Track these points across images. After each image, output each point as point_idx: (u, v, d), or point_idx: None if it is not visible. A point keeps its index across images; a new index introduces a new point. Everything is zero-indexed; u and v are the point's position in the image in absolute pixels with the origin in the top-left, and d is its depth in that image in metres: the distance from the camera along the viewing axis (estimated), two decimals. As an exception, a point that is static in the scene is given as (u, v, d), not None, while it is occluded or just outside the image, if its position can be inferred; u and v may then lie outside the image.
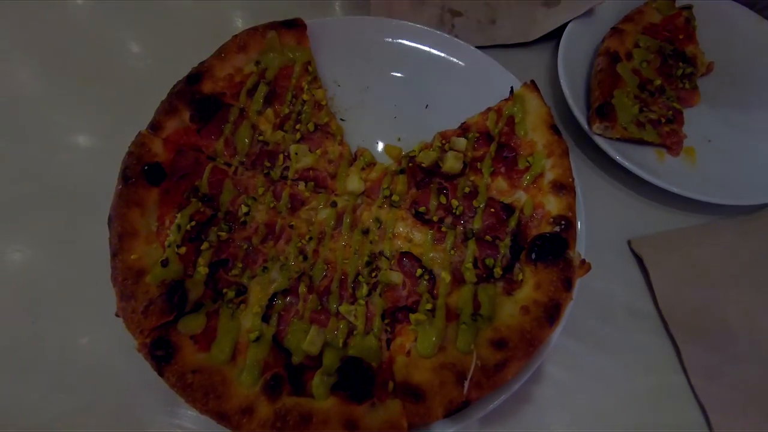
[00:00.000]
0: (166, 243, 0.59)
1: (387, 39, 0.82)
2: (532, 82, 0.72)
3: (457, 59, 0.80)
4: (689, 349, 0.62)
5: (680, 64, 0.79)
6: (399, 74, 0.81)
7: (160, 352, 0.53)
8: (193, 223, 0.61)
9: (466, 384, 0.53)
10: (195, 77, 0.70)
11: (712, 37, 0.84)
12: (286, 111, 0.72)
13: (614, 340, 0.65)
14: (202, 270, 0.59)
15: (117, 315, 0.56)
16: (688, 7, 0.85)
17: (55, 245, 0.67)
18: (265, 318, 0.58)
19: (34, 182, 0.71)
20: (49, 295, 0.64)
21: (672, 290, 0.66)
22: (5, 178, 0.72)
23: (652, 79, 0.78)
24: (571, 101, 0.75)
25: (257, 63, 0.73)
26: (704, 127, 0.78)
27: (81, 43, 0.86)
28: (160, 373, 0.52)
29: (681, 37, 0.82)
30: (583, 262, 0.61)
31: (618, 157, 0.70)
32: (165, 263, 0.57)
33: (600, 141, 0.72)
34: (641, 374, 0.62)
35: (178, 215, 0.61)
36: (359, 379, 0.53)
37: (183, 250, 0.59)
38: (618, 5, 0.84)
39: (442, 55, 0.81)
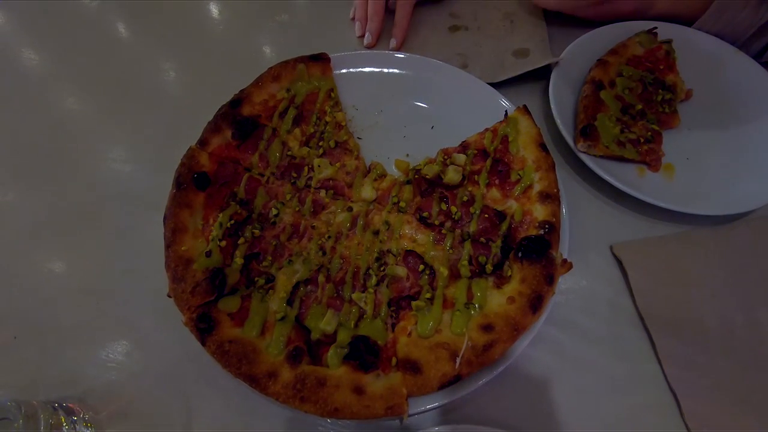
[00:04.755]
0: (210, 237, 0.71)
1: (399, 70, 0.94)
2: (524, 106, 0.82)
3: (459, 87, 0.91)
4: (663, 341, 0.69)
5: (660, 91, 0.89)
6: (409, 100, 0.93)
7: (204, 325, 0.64)
8: (232, 222, 0.73)
9: (458, 361, 0.62)
10: (236, 102, 0.83)
11: (691, 67, 0.93)
12: (311, 130, 0.84)
13: (596, 332, 0.72)
14: (239, 260, 0.70)
15: (169, 296, 0.67)
16: (668, 41, 0.94)
17: (118, 239, 0.80)
18: (290, 302, 0.68)
19: (104, 189, 0.85)
20: (111, 279, 0.76)
21: (649, 289, 0.73)
22: (78, 186, 0.86)
23: (633, 104, 0.87)
24: (560, 124, 0.84)
25: (288, 90, 0.86)
26: (683, 147, 0.87)
27: (133, 73, 1.02)
28: (203, 342, 0.63)
29: (662, 67, 0.92)
30: (564, 261, 0.70)
31: (600, 172, 0.79)
32: (209, 254, 0.69)
33: (585, 158, 0.81)
34: (619, 362, 0.69)
35: (220, 215, 0.73)
36: (367, 352, 0.63)
37: (223, 243, 0.71)
38: (604, 42, 0.94)
39: (447, 83, 0.92)
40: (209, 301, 0.66)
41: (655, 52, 0.93)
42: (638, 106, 0.87)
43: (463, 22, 1.07)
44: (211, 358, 0.62)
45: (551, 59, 0.92)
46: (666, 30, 0.97)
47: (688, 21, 1.00)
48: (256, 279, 0.70)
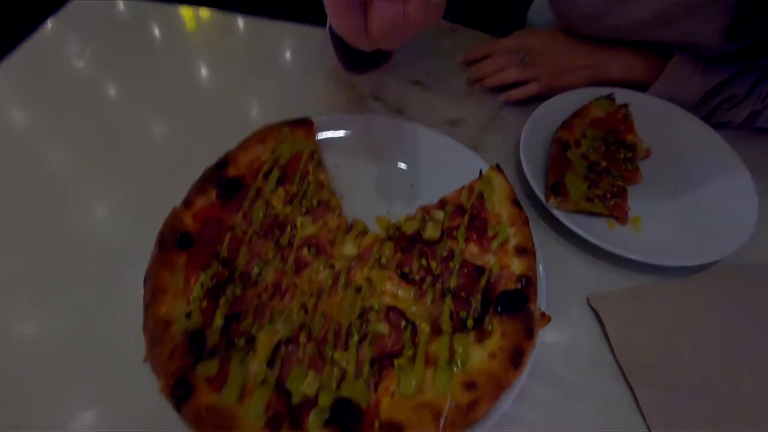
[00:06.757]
0: (191, 298, 0.71)
1: (379, 133, 0.99)
2: (498, 165, 0.88)
3: (437, 148, 0.96)
4: (645, 392, 0.69)
5: (622, 149, 0.96)
6: (389, 159, 0.97)
7: (180, 392, 0.62)
8: (214, 281, 0.73)
9: (442, 421, 0.61)
10: (222, 164, 0.86)
11: (648, 127, 1.00)
12: (295, 190, 0.87)
13: (578, 386, 0.72)
14: (219, 321, 0.69)
15: (145, 360, 0.66)
16: (625, 105, 1.03)
17: (96, 300, 0.78)
18: (270, 363, 0.67)
19: (85, 248, 0.85)
20: (86, 343, 0.74)
21: (627, 340, 0.75)
22: (58, 245, 0.85)
23: (598, 162, 0.93)
24: (531, 181, 0.89)
25: (273, 152, 0.90)
26: (647, 201, 0.92)
27: (120, 134, 1.04)
28: (179, 410, 0.61)
29: (621, 128, 0.99)
30: (543, 314, 0.71)
31: (572, 226, 0.83)
32: (188, 315, 0.68)
33: (557, 213, 0.85)
34: (603, 415, 0.69)
35: (202, 275, 0.73)
36: (349, 416, 0.61)
37: (204, 304, 0.70)
38: (567, 105, 1.02)
39: (425, 144, 0.97)
40: (187, 366, 0.64)
41: (614, 114, 1.01)
42: (603, 164, 0.93)
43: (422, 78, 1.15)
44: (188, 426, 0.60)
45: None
46: (623, 95, 1.06)
47: (643, 85, 1.09)
48: (236, 340, 0.69)
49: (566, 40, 1.12)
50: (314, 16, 1.13)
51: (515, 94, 1.09)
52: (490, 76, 1.11)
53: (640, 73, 1.08)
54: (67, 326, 0.76)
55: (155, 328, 0.67)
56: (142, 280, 0.71)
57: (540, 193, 0.88)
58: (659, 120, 1.03)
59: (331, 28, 0.80)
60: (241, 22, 1.35)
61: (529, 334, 0.68)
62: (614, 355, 0.74)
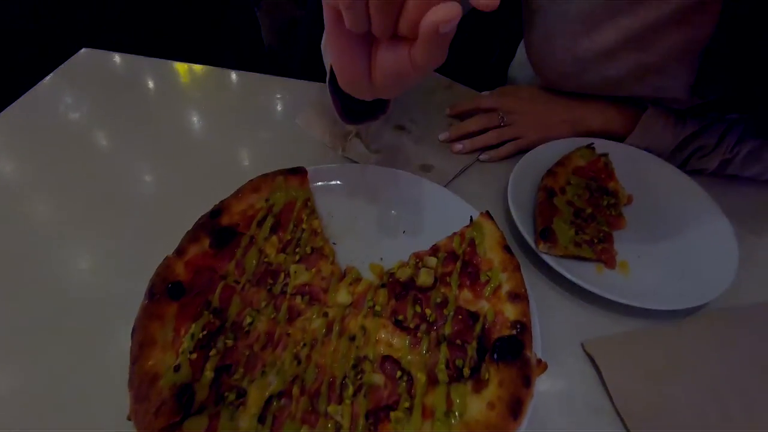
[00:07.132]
0: (180, 350, 0.69)
1: (371, 181, 1.02)
2: (487, 212, 0.90)
3: (428, 195, 0.99)
4: (645, 441, 0.68)
5: (605, 196, 0.99)
6: (381, 207, 0.99)
7: (165, 452, 0.59)
8: (205, 332, 0.71)
9: (442, 478, 0.59)
10: (216, 212, 0.87)
11: (628, 175, 1.05)
12: (288, 237, 0.88)
13: (579, 437, 0.71)
14: (209, 374, 0.67)
15: (129, 419, 0.63)
16: (605, 154, 1.08)
17: (81, 354, 0.75)
18: (261, 419, 0.65)
19: (73, 300, 0.83)
20: (66, 400, 0.70)
21: (624, 386, 0.74)
22: (45, 294, 0.83)
23: (584, 208, 0.97)
24: (520, 227, 0.91)
25: (267, 200, 0.91)
26: (633, 245, 0.94)
27: (115, 184, 1.05)
28: (163, 472, 0.58)
29: (603, 176, 1.04)
30: (539, 361, 0.71)
31: (562, 271, 0.84)
32: (177, 368, 0.66)
33: (547, 258, 0.87)
34: (606, 469, 0.67)
35: (193, 326, 0.71)
36: (344, 474, 0.59)
37: (194, 356, 0.68)
38: (551, 155, 1.07)
39: (416, 192, 1.00)
40: (174, 423, 0.61)
41: (595, 163, 1.06)
42: (588, 210, 0.96)
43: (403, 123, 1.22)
44: (172, 491, 0.56)
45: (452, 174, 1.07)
46: (602, 145, 1.12)
47: (620, 136, 1.16)
48: (226, 394, 0.67)
49: (546, 96, 1.20)
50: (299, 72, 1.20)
51: (494, 154, 1.15)
52: (470, 139, 1.16)
53: (617, 125, 1.15)
54: (49, 381, 0.73)
55: (141, 383, 0.64)
56: (131, 332, 0.69)
57: (529, 238, 0.90)
58: (638, 168, 1.08)
59: (330, 80, 0.84)
60: (233, 76, 1.41)
61: (527, 382, 0.67)
62: (612, 401, 0.73)
